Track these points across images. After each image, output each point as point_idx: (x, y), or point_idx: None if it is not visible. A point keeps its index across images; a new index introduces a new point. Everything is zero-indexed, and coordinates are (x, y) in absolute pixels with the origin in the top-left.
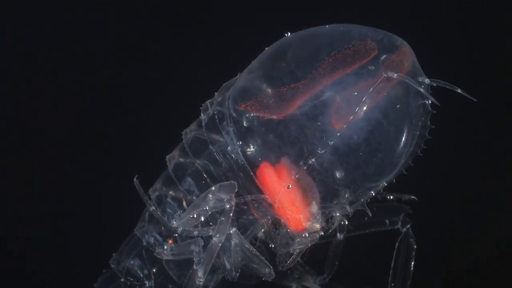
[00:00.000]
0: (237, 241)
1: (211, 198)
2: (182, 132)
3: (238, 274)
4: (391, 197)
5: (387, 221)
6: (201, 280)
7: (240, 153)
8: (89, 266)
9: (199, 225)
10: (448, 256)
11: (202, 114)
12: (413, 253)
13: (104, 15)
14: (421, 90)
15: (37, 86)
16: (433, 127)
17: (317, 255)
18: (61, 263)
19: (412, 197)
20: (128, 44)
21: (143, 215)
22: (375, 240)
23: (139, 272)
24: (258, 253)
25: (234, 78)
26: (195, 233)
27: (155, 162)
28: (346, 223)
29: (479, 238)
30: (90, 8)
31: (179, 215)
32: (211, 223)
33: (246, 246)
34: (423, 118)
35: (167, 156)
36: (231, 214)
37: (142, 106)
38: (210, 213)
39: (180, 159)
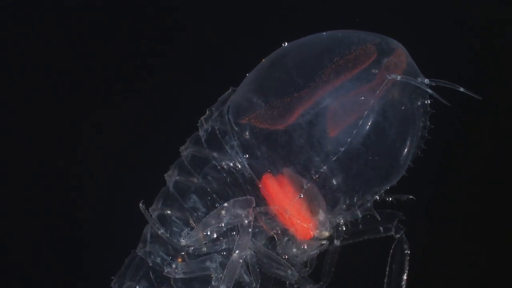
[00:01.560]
0: (253, 251)
1: (225, 214)
2: (179, 149)
3: (259, 286)
4: (391, 198)
5: (381, 228)
6: None
7: (247, 166)
8: None
9: (208, 241)
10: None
11: (200, 131)
12: (407, 258)
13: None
14: (429, 91)
15: (37, 85)
16: (433, 126)
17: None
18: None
19: (411, 196)
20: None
21: (144, 235)
22: (369, 247)
23: None
24: (277, 256)
25: (227, 92)
26: (204, 249)
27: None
28: (344, 229)
29: (475, 241)
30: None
31: (187, 233)
32: (221, 239)
33: (263, 251)
34: (423, 119)
35: (165, 174)
36: (250, 230)
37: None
38: (224, 229)
39: (181, 177)
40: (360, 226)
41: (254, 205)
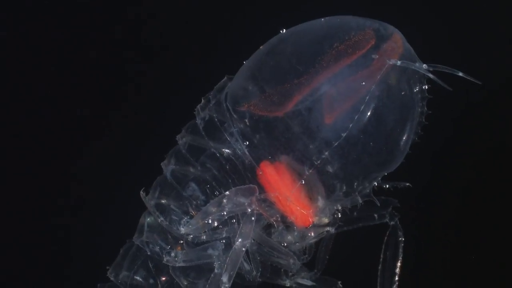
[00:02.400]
0: (253, 239)
1: (227, 203)
2: (176, 138)
3: (259, 274)
4: (387, 186)
5: (375, 215)
6: (226, 285)
7: (247, 153)
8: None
9: (208, 230)
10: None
11: (196, 119)
12: (402, 245)
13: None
14: (431, 75)
15: (38, 85)
16: (430, 112)
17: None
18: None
19: (407, 184)
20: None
21: (140, 225)
22: (363, 234)
23: (144, 282)
24: (279, 245)
25: (223, 80)
26: (203, 238)
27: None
28: (339, 216)
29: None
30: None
31: (187, 222)
32: (220, 227)
33: (264, 239)
34: (421, 104)
35: (161, 163)
36: (253, 218)
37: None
38: (226, 218)
39: (178, 166)
40: (355, 214)
41: (257, 193)
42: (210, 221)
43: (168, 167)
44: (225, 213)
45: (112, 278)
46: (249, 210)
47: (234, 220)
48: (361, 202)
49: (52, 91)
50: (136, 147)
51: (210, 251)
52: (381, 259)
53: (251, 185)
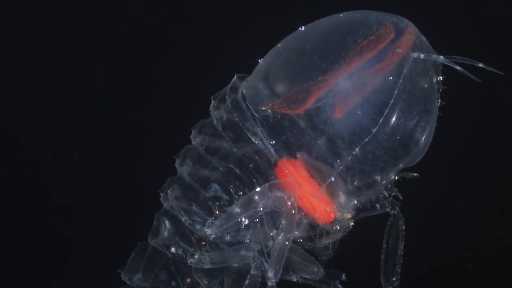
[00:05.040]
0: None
1: (261, 199)
2: (190, 137)
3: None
4: (397, 177)
5: (377, 205)
6: (273, 280)
7: (274, 152)
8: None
9: (233, 230)
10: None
11: (213, 119)
12: (403, 234)
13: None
14: (457, 67)
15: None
16: (444, 102)
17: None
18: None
19: (415, 174)
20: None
21: (155, 227)
22: (365, 225)
23: (165, 285)
24: (304, 253)
25: (234, 80)
26: (227, 238)
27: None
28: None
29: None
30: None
31: (212, 223)
32: (242, 227)
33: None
34: (438, 95)
35: (177, 166)
36: (295, 211)
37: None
38: (261, 214)
39: (195, 166)
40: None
41: (297, 185)
42: (241, 220)
43: (183, 167)
44: (259, 210)
45: (127, 282)
46: (289, 203)
47: (257, 220)
48: (386, 194)
49: (53, 91)
50: (139, 147)
51: (243, 252)
52: (383, 249)
53: (290, 178)
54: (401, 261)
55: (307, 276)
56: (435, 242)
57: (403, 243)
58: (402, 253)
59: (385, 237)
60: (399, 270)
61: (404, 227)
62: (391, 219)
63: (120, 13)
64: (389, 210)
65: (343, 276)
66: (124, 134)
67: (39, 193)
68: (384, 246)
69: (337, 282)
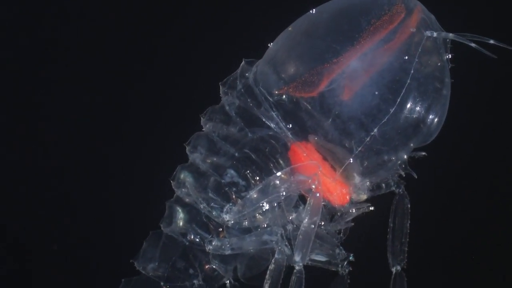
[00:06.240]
0: (295, 224)
1: (283, 183)
2: (201, 124)
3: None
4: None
5: (383, 184)
6: (300, 264)
7: (290, 135)
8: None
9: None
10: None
11: (225, 105)
12: (409, 212)
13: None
14: (473, 45)
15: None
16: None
17: None
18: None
19: (423, 153)
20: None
21: (172, 214)
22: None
23: (183, 273)
24: (326, 234)
25: (242, 65)
26: (245, 223)
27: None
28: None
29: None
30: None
31: (230, 209)
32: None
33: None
34: (448, 73)
35: (189, 153)
36: (319, 194)
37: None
38: (283, 198)
39: (209, 153)
40: None
41: (320, 168)
42: (261, 205)
43: (195, 154)
44: (282, 194)
45: (142, 271)
46: (313, 186)
47: (276, 204)
48: (403, 173)
49: (53, 91)
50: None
51: (266, 237)
52: (390, 228)
53: (313, 161)
54: (407, 240)
55: (316, 258)
56: (442, 222)
57: (409, 222)
58: (408, 231)
59: (391, 216)
60: (406, 249)
61: (409, 206)
62: (397, 197)
63: (119, 12)
64: (394, 189)
65: (351, 257)
66: (123, 130)
67: (39, 193)
68: (391, 225)
69: (345, 262)
